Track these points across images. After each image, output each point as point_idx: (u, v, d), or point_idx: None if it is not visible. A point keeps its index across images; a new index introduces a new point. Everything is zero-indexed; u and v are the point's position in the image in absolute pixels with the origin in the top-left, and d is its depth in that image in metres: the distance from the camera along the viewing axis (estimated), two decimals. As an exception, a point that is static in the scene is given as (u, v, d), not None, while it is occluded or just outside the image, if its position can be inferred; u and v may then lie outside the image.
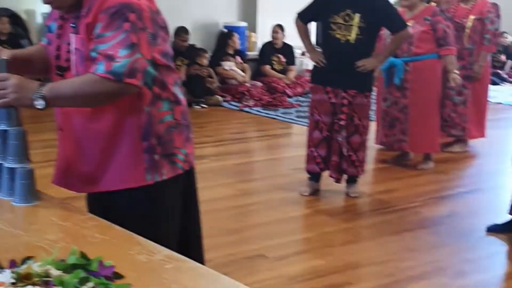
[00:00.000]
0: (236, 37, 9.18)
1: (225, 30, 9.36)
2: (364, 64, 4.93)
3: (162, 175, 2.31)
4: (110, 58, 2.11)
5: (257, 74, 9.44)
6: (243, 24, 9.64)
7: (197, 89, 8.51)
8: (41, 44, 2.47)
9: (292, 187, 5.32)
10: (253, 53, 9.71)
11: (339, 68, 4.94)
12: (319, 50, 5.13)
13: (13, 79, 2.15)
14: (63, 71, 2.31)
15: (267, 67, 9.44)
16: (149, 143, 2.29)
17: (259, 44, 9.75)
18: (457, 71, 5.91)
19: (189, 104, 8.32)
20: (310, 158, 5.16)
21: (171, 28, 8.59)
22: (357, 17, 4.87)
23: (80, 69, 2.24)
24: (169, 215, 2.40)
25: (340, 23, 4.91)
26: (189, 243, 2.51)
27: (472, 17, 6.52)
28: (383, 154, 6.43)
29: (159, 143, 2.31)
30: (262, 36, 9.82)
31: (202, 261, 2.52)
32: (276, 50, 9.49)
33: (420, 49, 5.85)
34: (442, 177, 5.85)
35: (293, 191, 5.22)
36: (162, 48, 2.27)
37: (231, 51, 9.17)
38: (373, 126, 6.25)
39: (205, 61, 8.78)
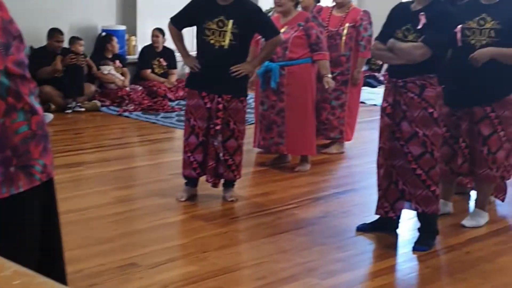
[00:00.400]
0: (114, 40, 9.04)
1: (104, 34, 9.20)
2: (239, 69, 4.98)
3: (19, 187, 2.24)
4: None
5: (137, 78, 9.35)
6: (122, 27, 9.51)
7: (75, 85, 8.26)
8: None
9: (170, 192, 5.30)
10: (133, 57, 9.60)
11: (214, 74, 4.97)
12: (194, 55, 5.15)
13: None
14: None
15: (148, 71, 9.36)
16: (3, 155, 2.21)
17: (140, 48, 9.66)
18: (330, 75, 6.08)
19: (63, 108, 8.17)
20: (186, 163, 5.16)
21: (42, 35, 8.42)
22: (230, 23, 4.92)
23: None
24: (26, 228, 2.33)
25: (214, 29, 4.94)
26: (49, 256, 2.45)
27: (347, 24, 6.72)
28: (261, 157, 6.51)
29: (14, 154, 2.24)
30: (142, 40, 9.72)
31: (63, 274, 2.47)
32: (156, 53, 9.42)
33: (295, 54, 5.98)
34: (318, 178, 6.00)
35: (170, 196, 5.20)
36: (16, 58, 2.20)
37: (110, 55, 9.02)
38: (252, 130, 6.36)
39: (80, 49, 8.51)
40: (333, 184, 5.86)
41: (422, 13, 4.20)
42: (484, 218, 4.86)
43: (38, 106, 2.32)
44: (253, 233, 4.58)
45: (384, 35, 4.39)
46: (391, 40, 4.28)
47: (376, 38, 4.51)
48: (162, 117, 8.21)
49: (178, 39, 5.23)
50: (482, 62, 4.49)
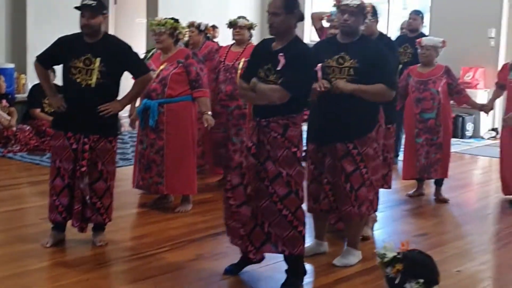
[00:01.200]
0: (1, 79, 8.74)
1: (-11, 72, 8.90)
2: (107, 108, 4.82)
3: None
4: None
5: (26, 117, 9.03)
6: (11, 65, 9.22)
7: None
8: None
9: (37, 238, 5.04)
10: (23, 95, 9.29)
11: (80, 113, 4.79)
12: (61, 95, 4.97)
13: None
14: None
15: (37, 110, 9.04)
16: None
17: (30, 86, 9.36)
18: (210, 112, 5.97)
19: None
20: (52, 207, 4.93)
21: None
22: (97, 61, 4.77)
23: None
24: None
25: (81, 67, 4.78)
26: None
27: (243, 59, 6.66)
28: (143, 198, 6.33)
29: None
30: (32, 78, 9.42)
31: None
32: (47, 92, 9.14)
33: (174, 91, 5.87)
34: (198, 218, 5.85)
35: (36, 242, 4.95)
36: None
37: (-5, 94, 8.71)
38: (131, 170, 6.18)
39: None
40: (212, 225, 5.69)
41: (281, 53, 4.16)
42: (356, 257, 4.81)
43: None
44: (116, 279, 4.38)
45: (248, 74, 4.34)
46: (253, 80, 4.23)
47: (241, 77, 4.46)
48: (47, 158, 7.92)
49: (44, 78, 5.06)
50: (341, 91, 4.50)
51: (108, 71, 4.79)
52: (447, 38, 10.59)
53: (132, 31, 11.23)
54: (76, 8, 4.84)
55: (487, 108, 7.01)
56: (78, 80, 4.78)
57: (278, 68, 4.14)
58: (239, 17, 6.91)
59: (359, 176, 4.60)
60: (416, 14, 8.15)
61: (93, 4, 4.77)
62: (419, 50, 6.78)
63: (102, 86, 4.79)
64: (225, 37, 10.76)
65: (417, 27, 8.01)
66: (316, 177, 4.74)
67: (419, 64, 6.81)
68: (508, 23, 10.71)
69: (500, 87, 6.94)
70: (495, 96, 7.10)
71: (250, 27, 6.85)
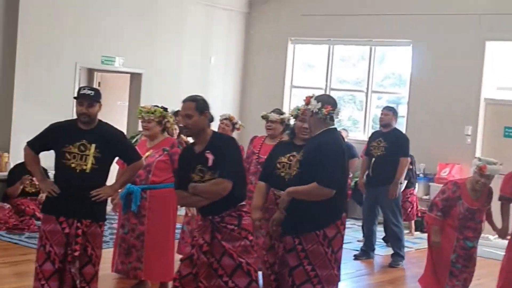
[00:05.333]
0: (-17, 157, 8.84)
1: (-28, 150, 8.99)
2: (99, 193, 4.94)
3: None
4: None
5: (5, 197, 9.07)
6: (-6, 144, 9.34)
7: None
8: None
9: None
10: (4, 174, 9.36)
11: (74, 198, 4.89)
12: (51, 180, 5.07)
13: None
14: None
15: (15, 190, 9.07)
16: None
17: (12, 165, 9.44)
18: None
19: None
20: (40, 292, 4.92)
21: None
22: (93, 147, 4.91)
23: None
24: None
25: (75, 153, 4.91)
26: None
27: None
28: (121, 283, 6.36)
29: None
30: (15, 157, 9.51)
31: None
32: (28, 171, 9.19)
33: (158, 177, 6.02)
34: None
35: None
36: None
37: (-23, 172, 8.78)
38: (109, 254, 6.22)
39: None
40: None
41: (207, 151, 4.44)
42: None
43: None
44: None
45: (182, 183, 4.55)
46: (191, 185, 4.45)
47: (176, 188, 4.66)
48: (26, 237, 7.97)
49: (34, 163, 5.17)
50: (286, 203, 4.70)
51: (102, 157, 4.95)
52: (424, 134, 11.00)
53: (114, 113, 11.43)
54: (75, 97, 5.02)
55: (503, 233, 6.34)
56: (73, 165, 4.91)
57: (210, 165, 4.40)
58: (273, 110, 6.87)
59: (302, 273, 4.61)
60: (388, 110, 8.44)
61: (91, 94, 4.96)
62: (482, 180, 6.00)
63: (95, 171, 4.93)
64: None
65: (389, 122, 8.29)
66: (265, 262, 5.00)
67: (469, 186, 6.09)
68: (484, 121, 10.95)
69: (507, 200, 6.25)
70: (506, 214, 6.29)
71: (283, 121, 6.79)
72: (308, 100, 4.80)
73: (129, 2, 10.96)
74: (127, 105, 11.42)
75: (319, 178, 4.52)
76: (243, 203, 4.45)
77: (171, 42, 11.66)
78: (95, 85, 11.32)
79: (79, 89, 5.10)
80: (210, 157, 4.38)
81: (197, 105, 4.51)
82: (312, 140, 4.80)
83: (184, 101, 4.59)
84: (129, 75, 11.39)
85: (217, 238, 4.36)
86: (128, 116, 11.31)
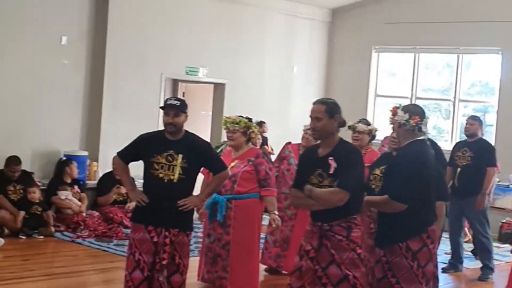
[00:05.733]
0: (74, 165, 9.12)
1: (63, 158, 9.28)
2: (186, 202, 5.01)
3: None
4: None
5: (95, 205, 9.34)
6: (84, 153, 9.61)
7: (32, 220, 8.31)
8: None
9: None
10: (94, 182, 9.64)
11: (162, 207, 4.96)
12: (140, 189, 5.17)
13: None
14: None
15: (108, 199, 9.33)
16: None
17: (101, 174, 9.71)
18: (277, 212, 6.12)
19: (17, 233, 8.09)
20: (130, 299, 5.02)
21: (4, 158, 8.48)
22: (180, 158, 4.98)
23: None
24: None
25: (163, 163, 4.99)
26: None
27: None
28: (207, 291, 6.43)
29: None
30: (103, 166, 9.79)
31: None
32: (116, 181, 9.41)
33: (243, 187, 6.06)
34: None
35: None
36: None
37: (68, 180, 9.06)
38: (195, 262, 6.30)
39: (35, 196, 8.49)
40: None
41: (330, 158, 4.34)
42: None
43: None
44: None
45: (299, 183, 4.48)
46: (308, 187, 4.38)
47: (293, 186, 4.60)
48: (114, 245, 8.15)
49: (124, 173, 5.28)
50: (365, 212, 4.75)
51: (189, 167, 5.01)
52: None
53: (197, 123, 11.59)
54: (161, 107, 5.12)
55: None
56: (161, 175, 4.99)
57: (331, 172, 4.30)
58: (359, 121, 6.80)
59: (387, 285, 4.53)
60: (474, 120, 8.27)
61: (177, 104, 5.04)
62: None
63: (183, 181, 4.99)
64: (274, 133, 11.11)
65: (475, 132, 8.12)
66: None
67: None
68: None
69: None
70: None
71: (370, 132, 6.72)
72: (395, 111, 4.72)
73: (213, 14, 11.12)
74: (210, 114, 11.57)
75: (390, 190, 4.48)
76: (355, 216, 4.36)
77: (253, 52, 11.76)
78: (179, 95, 11.54)
79: (166, 99, 5.19)
80: (333, 164, 4.29)
81: (327, 108, 4.43)
82: (399, 151, 4.75)
83: (314, 103, 4.52)
84: (212, 85, 11.54)
85: (325, 246, 4.31)
86: (211, 125, 11.47)
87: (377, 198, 4.61)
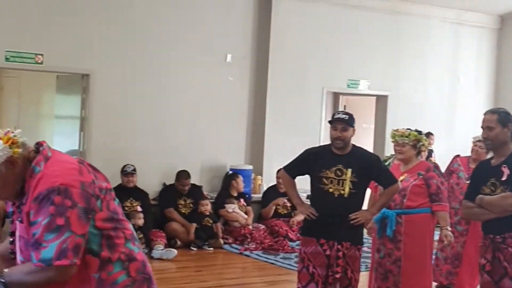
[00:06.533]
0: (240, 179, 9.35)
1: (230, 172, 9.54)
2: (357, 216, 5.00)
3: None
4: (38, 245, 2.21)
5: (260, 217, 9.52)
6: (249, 167, 9.84)
7: (204, 232, 8.59)
8: None
9: None
10: (258, 196, 9.83)
11: (333, 221, 4.99)
12: (308, 202, 5.21)
13: None
14: (13, 254, 2.43)
15: (269, 212, 9.47)
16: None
17: (265, 187, 9.88)
18: (449, 228, 5.92)
19: (188, 244, 8.40)
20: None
21: (174, 172, 8.84)
22: (349, 172, 4.99)
23: (25, 255, 2.34)
24: None
25: (332, 178, 5.01)
26: None
27: None
28: (377, 306, 6.32)
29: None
30: (267, 180, 9.97)
31: None
32: (280, 194, 9.55)
33: (413, 202, 5.91)
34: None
35: None
36: (104, 215, 2.36)
37: (235, 193, 9.30)
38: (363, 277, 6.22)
39: (208, 208, 8.82)
40: None
41: (504, 165, 4.24)
42: None
43: (137, 251, 2.44)
44: None
45: (471, 194, 4.43)
46: (479, 196, 4.30)
47: (464, 198, 4.53)
48: (281, 258, 8.25)
49: (291, 187, 5.34)
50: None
51: (358, 181, 5.01)
52: None
53: (359, 136, 11.50)
54: (329, 121, 5.13)
55: None
56: (331, 190, 5.01)
57: (504, 179, 4.19)
58: None
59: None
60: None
61: (345, 118, 5.04)
62: None
63: (353, 195, 5.01)
64: (439, 146, 10.77)
65: None
66: None
67: None
68: None
69: None
70: None
71: None
72: None
73: (373, 26, 11.03)
74: (372, 127, 11.46)
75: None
76: None
77: (415, 63, 11.54)
78: (340, 108, 11.54)
79: (334, 113, 5.21)
80: (506, 171, 4.22)
81: (499, 118, 4.38)
82: None
83: (486, 114, 4.49)
84: (374, 97, 11.42)
85: (498, 259, 4.18)
86: (374, 138, 11.36)
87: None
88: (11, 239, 2.45)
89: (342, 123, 5.02)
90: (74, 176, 2.30)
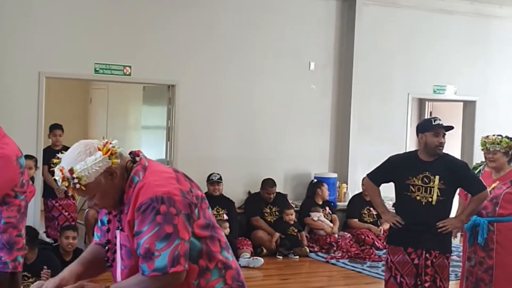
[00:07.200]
0: (325, 187, 9.32)
1: (315, 180, 9.52)
2: (445, 224, 4.94)
3: None
4: (149, 255, 2.24)
5: (345, 226, 9.45)
6: (334, 175, 9.79)
7: (291, 241, 8.62)
8: (94, 243, 2.64)
9: None
10: (344, 204, 9.77)
11: (421, 229, 4.95)
12: (393, 210, 5.16)
13: None
14: (111, 262, 2.48)
15: (355, 220, 9.40)
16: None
17: (350, 195, 9.81)
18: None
19: (274, 253, 8.43)
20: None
21: (259, 180, 8.89)
22: (437, 179, 4.94)
23: (127, 263, 2.39)
24: None
25: (419, 185, 4.96)
26: None
27: None
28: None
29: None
30: (353, 188, 9.90)
31: None
32: (366, 202, 9.44)
33: (506, 210, 5.74)
34: None
35: None
36: (201, 222, 2.40)
37: (320, 201, 9.28)
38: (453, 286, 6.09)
39: (292, 217, 8.83)
40: None
41: None
42: None
43: (231, 259, 2.48)
44: None
45: None
46: None
47: None
48: (368, 267, 8.17)
49: (376, 195, 5.31)
50: None
51: (446, 188, 4.95)
52: None
53: (446, 142, 11.27)
54: (427, 129, 5.12)
55: None
56: (418, 198, 4.96)
57: None
58: None
59: None
60: None
61: (444, 125, 5.07)
62: None
63: (441, 203, 4.95)
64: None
65: None
66: None
67: None
68: None
69: None
70: None
71: None
72: None
73: (459, 29, 10.82)
74: (460, 133, 11.21)
75: None
76: None
77: (504, 67, 11.21)
78: (426, 115, 11.37)
79: (430, 120, 5.18)
80: None
81: None
82: None
83: None
84: (461, 103, 11.18)
85: None
86: (461, 144, 11.11)
87: None
88: (107, 247, 2.50)
89: (443, 129, 5.04)
90: (173, 184, 2.35)
